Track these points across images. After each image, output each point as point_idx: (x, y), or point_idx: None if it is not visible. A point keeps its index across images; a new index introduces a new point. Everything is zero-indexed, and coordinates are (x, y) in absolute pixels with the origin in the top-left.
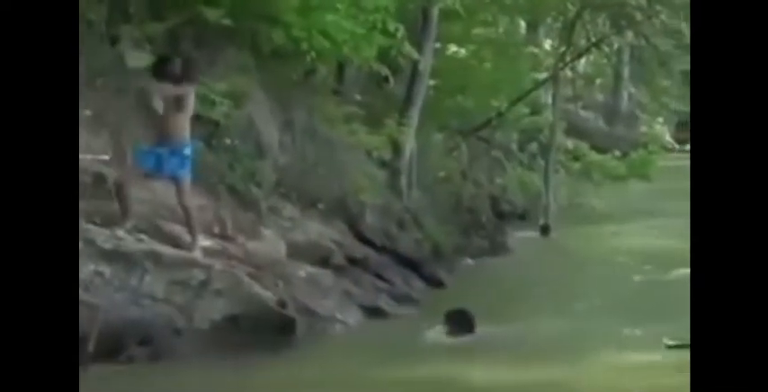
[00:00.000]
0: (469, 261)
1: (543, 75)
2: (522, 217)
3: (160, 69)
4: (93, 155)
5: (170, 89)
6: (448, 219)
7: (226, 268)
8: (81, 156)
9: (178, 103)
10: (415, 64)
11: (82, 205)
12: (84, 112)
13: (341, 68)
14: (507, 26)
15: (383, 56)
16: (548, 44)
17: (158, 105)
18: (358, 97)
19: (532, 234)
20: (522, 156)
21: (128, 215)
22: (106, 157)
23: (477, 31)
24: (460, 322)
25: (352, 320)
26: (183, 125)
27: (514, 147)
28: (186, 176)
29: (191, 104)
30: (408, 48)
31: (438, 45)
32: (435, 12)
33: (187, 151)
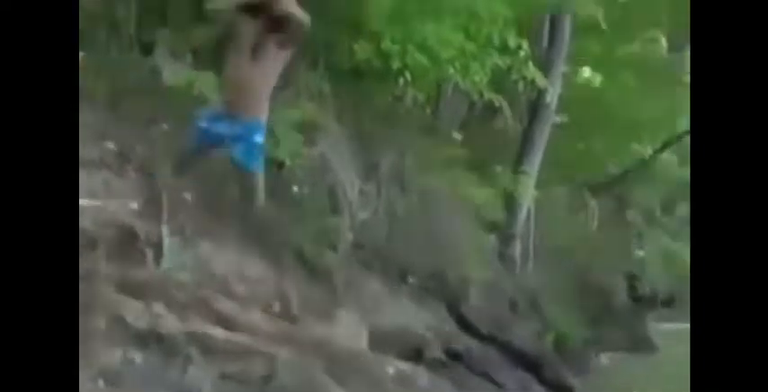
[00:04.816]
0: (603, 360)
1: None
2: (668, 303)
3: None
4: (117, 201)
5: (265, 35)
6: (572, 303)
7: (294, 358)
8: (102, 203)
9: (263, 62)
10: (539, 93)
11: (107, 269)
12: (107, 146)
13: (438, 95)
14: (647, 44)
15: (497, 81)
16: None
17: (244, 49)
18: (457, 135)
19: (682, 326)
20: (668, 221)
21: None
22: (135, 206)
23: (621, 51)
24: None
25: None
26: (261, 94)
27: (658, 209)
28: (258, 168)
29: (277, 72)
30: (533, 71)
31: (565, 69)
32: (568, 23)
33: (258, 138)
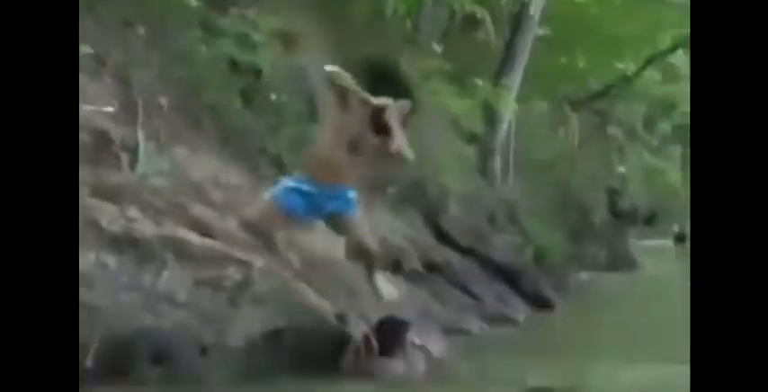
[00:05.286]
0: (584, 276)
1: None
2: (650, 220)
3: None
4: (93, 106)
5: (369, 134)
6: (552, 218)
7: (270, 267)
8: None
9: (358, 158)
10: (522, 6)
11: (81, 173)
12: (83, 49)
13: (418, 6)
14: None
15: None
16: None
17: (343, 138)
18: (437, 47)
19: (664, 242)
20: (650, 138)
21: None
22: (111, 109)
23: None
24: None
25: (430, 344)
26: (349, 177)
27: (640, 125)
28: (355, 213)
29: (370, 167)
30: None
31: None
32: None
33: (351, 195)
